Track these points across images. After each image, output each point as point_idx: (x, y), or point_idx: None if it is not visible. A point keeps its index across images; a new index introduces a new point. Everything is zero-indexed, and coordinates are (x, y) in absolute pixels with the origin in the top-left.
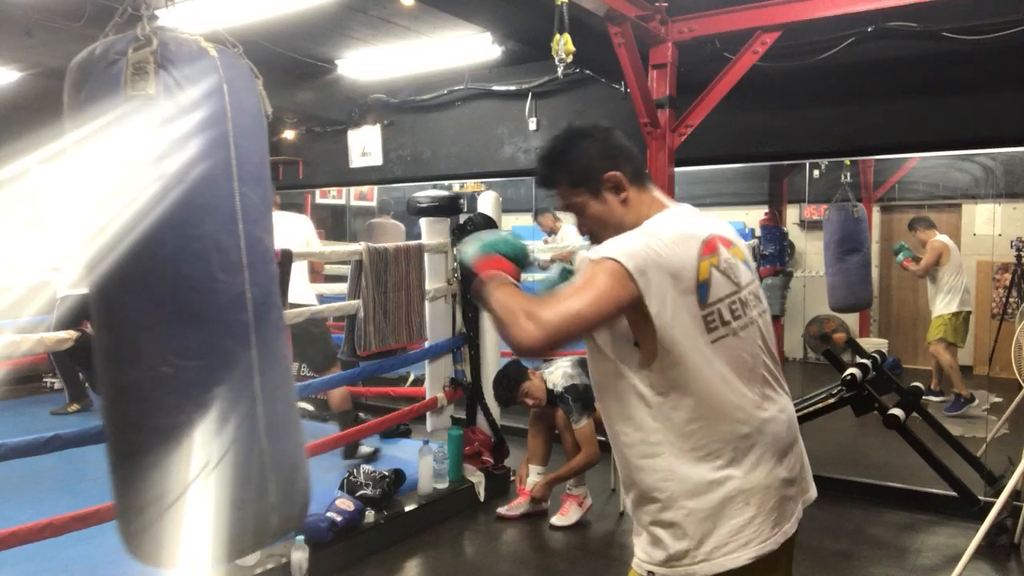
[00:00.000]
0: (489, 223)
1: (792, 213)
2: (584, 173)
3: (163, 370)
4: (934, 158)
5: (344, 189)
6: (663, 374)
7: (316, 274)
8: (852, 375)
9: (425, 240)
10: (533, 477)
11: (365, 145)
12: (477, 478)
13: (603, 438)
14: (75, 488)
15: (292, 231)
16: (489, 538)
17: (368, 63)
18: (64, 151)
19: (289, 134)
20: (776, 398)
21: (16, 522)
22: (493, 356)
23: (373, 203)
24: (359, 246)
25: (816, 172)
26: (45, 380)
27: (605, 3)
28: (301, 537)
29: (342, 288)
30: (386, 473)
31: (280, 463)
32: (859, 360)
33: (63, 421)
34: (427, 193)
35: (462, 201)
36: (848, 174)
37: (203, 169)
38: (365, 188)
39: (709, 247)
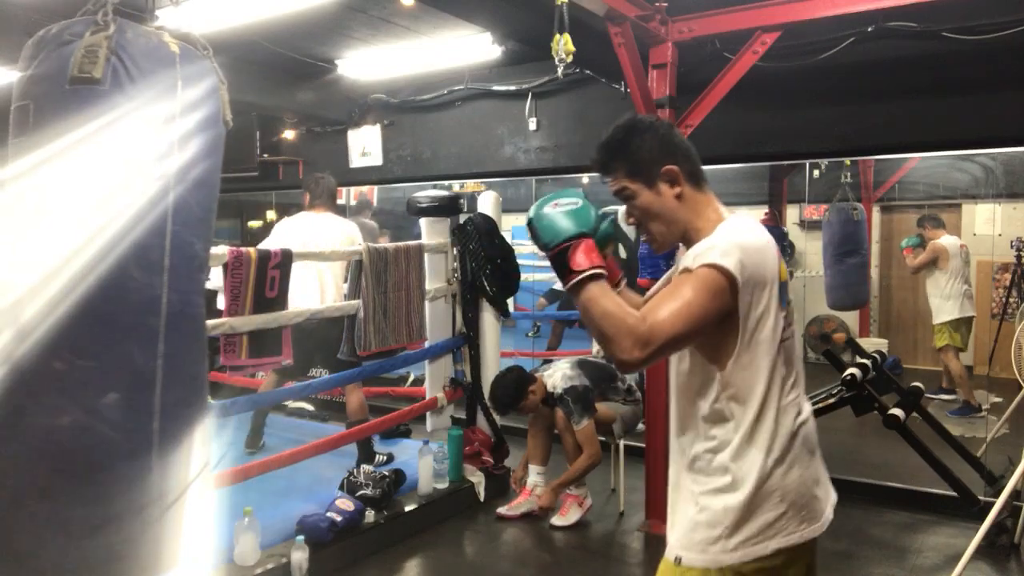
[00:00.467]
0: (489, 223)
1: (792, 213)
2: (643, 164)
3: (55, 365)
4: (934, 158)
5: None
6: (743, 371)
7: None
8: (852, 375)
9: (425, 240)
10: (533, 477)
11: (365, 145)
12: (477, 478)
13: (603, 438)
14: None
15: (332, 234)
16: (489, 538)
17: (368, 63)
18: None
19: (289, 134)
20: (805, 402)
21: None
22: (493, 356)
23: (373, 203)
24: (359, 246)
25: (816, 172)
26: None
27: (605, 3)
28: (301, 537)
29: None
30: (386, 473)
31: (165, 486)
32: (859, 360)
33: None
34: (427, 193)
35: (462, 201)
36: (848, 174)
37: (134, 160)
38: (365, 188)
39: (778, 252)
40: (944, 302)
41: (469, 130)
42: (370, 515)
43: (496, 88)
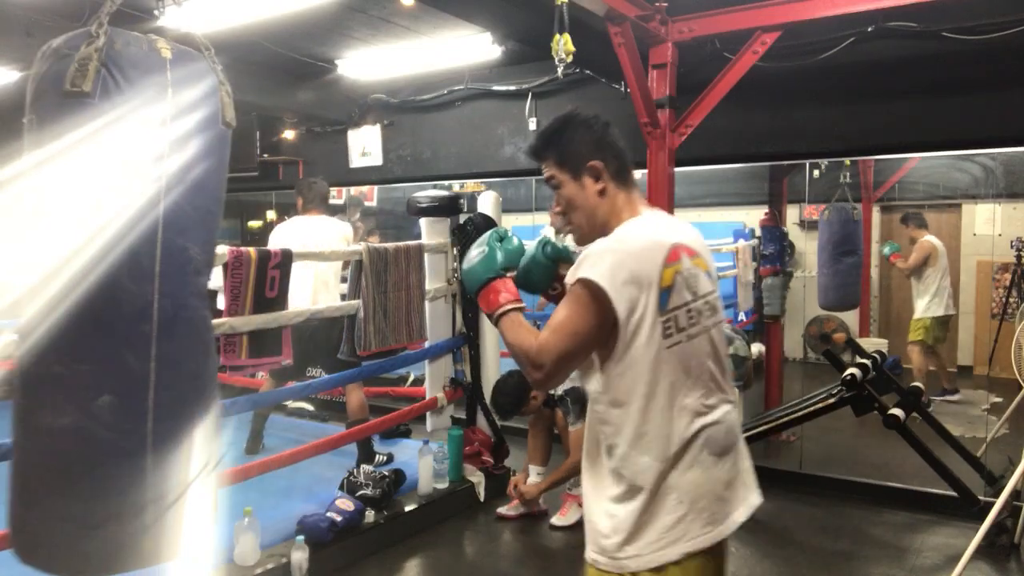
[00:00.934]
0: (489, 223)
1: (792, 213)
2: (571, 156)
3: (56, 368)
4: (934, 158)
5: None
6: (619, 376)
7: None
8: (852, 375)
9: (425, 240)
10: (533, 478)
11: (365, 145)
12: (477, 478)
13: None
14: None
15: (327, 234)
16: (489, 538)
17: (368, 63)
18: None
19: (289, 134)
20: (717, 405)
21: None
22: (493, 356)
23: (373, 203)
24: (359, 246)
25: (816, 172)
26: None
27: (605, 3)
28: (301, 537)
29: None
30: (386, 473)
31: (163, 485)
32: (859, 360)
33: None
34: (427, 193)
35: (462, 201)
36: (848, 174)
37: (123, 170)
38: (365, 188)
39: (673, 255)
40: (931, 299)
41: (469, 130)
42: (370, 515)
43: (496, 88)
